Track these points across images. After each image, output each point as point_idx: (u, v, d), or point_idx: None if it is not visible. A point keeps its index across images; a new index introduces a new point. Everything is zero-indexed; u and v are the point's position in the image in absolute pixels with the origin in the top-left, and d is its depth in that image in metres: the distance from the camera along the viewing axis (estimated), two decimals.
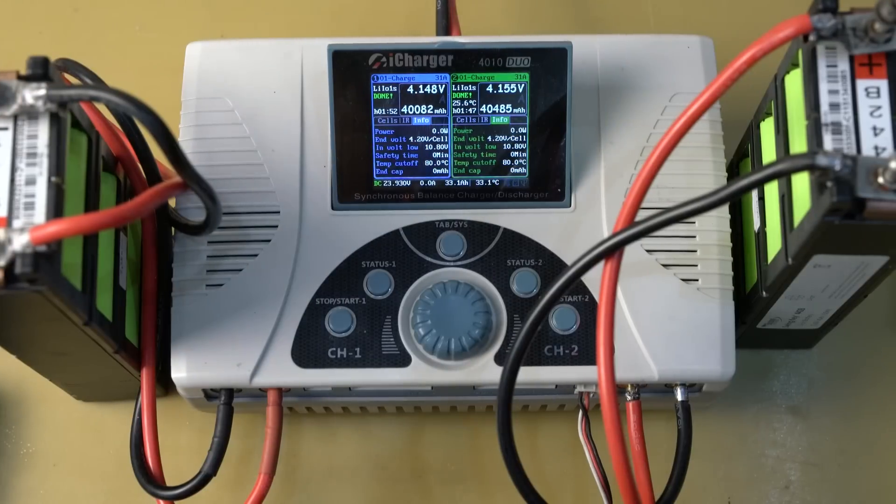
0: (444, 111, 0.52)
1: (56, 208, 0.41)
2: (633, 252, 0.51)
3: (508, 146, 0.52)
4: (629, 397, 0.52)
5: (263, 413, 0.51)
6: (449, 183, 0.53)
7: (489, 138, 0.52)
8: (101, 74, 0.50)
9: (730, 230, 0.52)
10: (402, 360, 0.51)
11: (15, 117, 0.41)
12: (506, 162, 0.53)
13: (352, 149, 0.52)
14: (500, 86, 0.51)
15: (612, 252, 0.47)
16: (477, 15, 0.63)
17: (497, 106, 0.52)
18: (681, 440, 0.51)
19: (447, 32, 0.57)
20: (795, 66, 0.46)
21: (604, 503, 0.52)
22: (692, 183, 0.52)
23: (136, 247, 0.52)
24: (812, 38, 0.43)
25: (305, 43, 0.55)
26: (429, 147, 0.52)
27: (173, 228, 0.52)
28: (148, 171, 0.50)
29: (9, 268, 0.39)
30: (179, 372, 0.51)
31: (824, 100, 0.42)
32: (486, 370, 0.51)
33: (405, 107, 0.52)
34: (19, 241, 0.39)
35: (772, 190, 0.50)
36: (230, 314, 0.51)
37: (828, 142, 0.42)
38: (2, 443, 0.59)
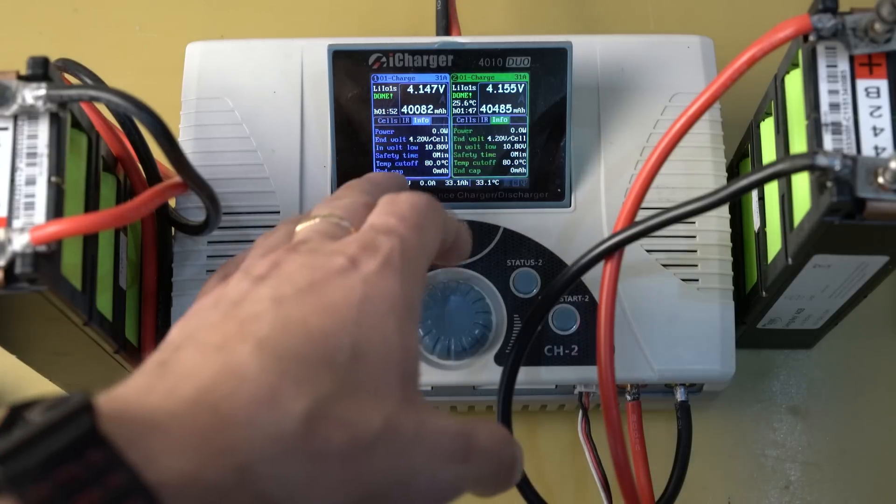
0: (444, 111, 0.52)
1: (56, 208, 0.41)
2: (633, 252, 0.51)
3: (508, 146, 0.52)
4: (629, 397, 0.52)
5: None
6: (449, 183, 0.53)
7: (489, 138, 0.52)
8: (101, 74, 0.50)
9: (730, 230, 0.52)
10: None
11: (15, 117, 0.41)
12: (506, 162, 0.52)
13: (352, 149, 0.52)
14: (499, 86, 0.51)
15: (612, 252, 0.47)
16: (477, 15, 0.63)
17: (497, 106, 0.52)
18: (681, 440, 0.51)
19: (447, 32, 0.57)
20: (795, 66, 0.46)
21: (604, 503, 0.52)
22: (692, 183, 0.52)
23: (136, 247, 0.52)
24: (812, 38, 0.43)
25: (305, 43, 0.55)
26: (429, 147, 0.52)
27: (173, 228, 0.52)
28: (148, 171, 0.50)
29: (9, 268, 0.39)
30: None
31: (824, 100, 0.42)
32: (486, 370, 0.51)
33: (405, 107, 0.52)
34: (19, 241, 0.39)
35: (772, 190, 0.50)
36: None
37: (828, 142, 0.42)
38: None
